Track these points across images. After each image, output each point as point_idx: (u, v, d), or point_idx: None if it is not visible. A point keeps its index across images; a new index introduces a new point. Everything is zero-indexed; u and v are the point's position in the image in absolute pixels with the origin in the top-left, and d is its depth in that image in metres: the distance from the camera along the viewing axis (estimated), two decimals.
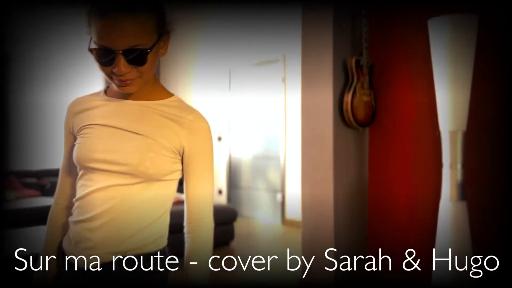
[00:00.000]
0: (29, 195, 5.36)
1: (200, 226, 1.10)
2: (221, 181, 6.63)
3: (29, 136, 6.14)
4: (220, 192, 6.64)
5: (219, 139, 6.63)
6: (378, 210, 3.18)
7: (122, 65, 0.95)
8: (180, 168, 1.09)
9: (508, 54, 2.62)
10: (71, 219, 1.09)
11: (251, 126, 6.21)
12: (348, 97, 2.96)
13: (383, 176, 3.16)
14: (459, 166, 2.32)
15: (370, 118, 3.08)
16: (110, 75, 0.99)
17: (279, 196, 5.81)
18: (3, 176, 5.38)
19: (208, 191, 1.10)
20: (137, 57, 0.96)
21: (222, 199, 6.60)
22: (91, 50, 0.97)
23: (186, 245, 1.11)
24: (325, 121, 3.00)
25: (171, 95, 1.13)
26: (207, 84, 6.85)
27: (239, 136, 6.38)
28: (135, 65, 0.97)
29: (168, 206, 1.11)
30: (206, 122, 1.09)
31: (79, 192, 1.08)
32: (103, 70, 0.98)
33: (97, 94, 1.15)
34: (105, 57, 0.96)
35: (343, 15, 3.04)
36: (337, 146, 3.00)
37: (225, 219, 4.42)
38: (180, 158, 1.08)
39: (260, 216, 6.10)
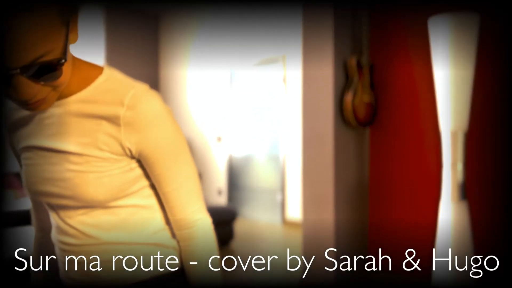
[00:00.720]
0: None
1: (194, 232, 0.85)
2: (221, 181, 6.63)
3: None
4: (220, 192, 6.64)
5: (219, 139, 6.63)
6: (379, 210, 3.18)
7: (24, 86, 0.63)
8: (141, 172, 0.82)
9: (509, 53, 2.61)
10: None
11: (251, 126, 6.21)
12: (348, 97, 2.95)
13: (384, 176, 3.15)
14: (460, 166, 2.32)
15: (370, 118, 3.07)
16: (9, 97, 0.66)
17: (279, 196, 5.81)
18: (3, 176, 5.37)
19: (186, 188, 0.83)
20: (45, 72, 0.64)
21: (222, 199, 6.60)
22: None
23: (183, 257, 0.87)
24: (326, 121, 3.00)
25: (98, 74, 0.79)
26: (207, 84, 6.84)
27: (239, 136, 6.38)
28: (45, 82, 0.66)
29: (157, 223, 0.87)
30: (151, 101, 0.76)
31: None
32: None
33: None
34: None
35: (343, 15, 3.04)
36: (338, 146, 2.99)
37: (225, 219, 4.42)
38: (135, 160, 0.81)
39: (260, 216, 6.09)
